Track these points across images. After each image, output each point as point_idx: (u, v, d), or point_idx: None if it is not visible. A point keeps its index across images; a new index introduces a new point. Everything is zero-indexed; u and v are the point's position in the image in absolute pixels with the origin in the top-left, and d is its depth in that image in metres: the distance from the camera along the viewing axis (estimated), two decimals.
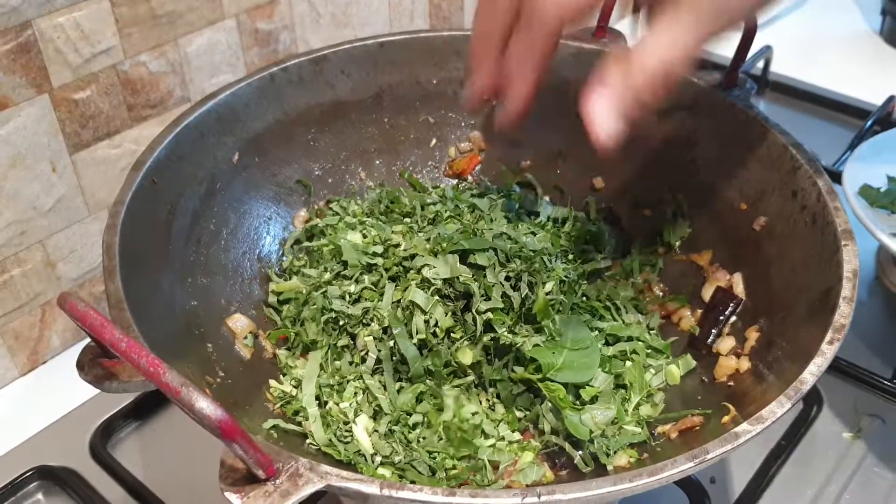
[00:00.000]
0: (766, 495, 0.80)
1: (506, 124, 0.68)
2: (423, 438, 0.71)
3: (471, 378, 0.74)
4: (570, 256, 0.87)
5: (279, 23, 1.01)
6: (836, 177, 0.93)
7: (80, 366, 0.57)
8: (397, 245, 0.81)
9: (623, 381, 0.75)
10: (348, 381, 0.74)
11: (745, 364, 0.74)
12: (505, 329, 0.73)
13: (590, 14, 0.61)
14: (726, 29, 0.58)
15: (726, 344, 0.78)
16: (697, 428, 0.70)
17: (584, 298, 0.82)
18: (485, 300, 0.73)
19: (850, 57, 1.46)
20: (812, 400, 0.88)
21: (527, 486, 0.68)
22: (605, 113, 0.59)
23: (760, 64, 1.32)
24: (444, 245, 0.76)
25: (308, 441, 0.70)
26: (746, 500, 0.79)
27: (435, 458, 0.69)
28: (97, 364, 0.57)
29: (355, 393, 0.74)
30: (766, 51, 1.31)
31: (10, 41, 0.78)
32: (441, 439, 0.71)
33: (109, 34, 0.85)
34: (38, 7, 0.79)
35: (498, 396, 0.74)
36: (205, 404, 0.45)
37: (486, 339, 0.73)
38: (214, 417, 0.45)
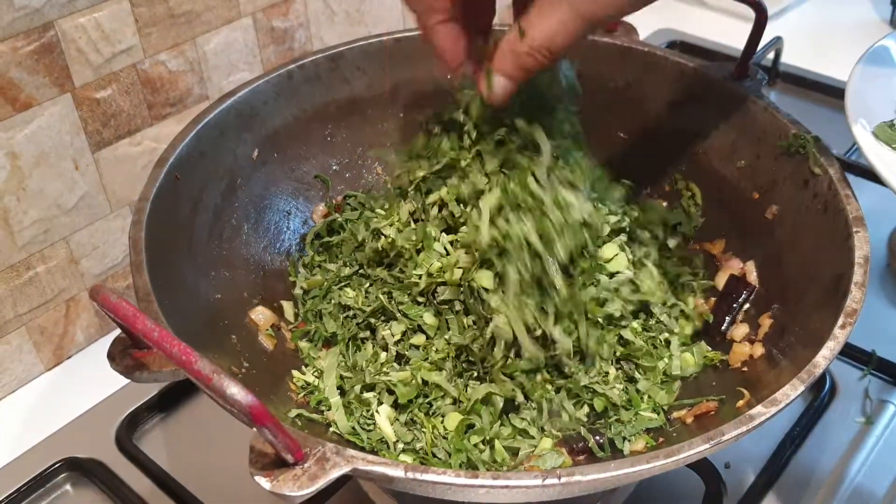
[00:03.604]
0: (780, 480, 0.81)
1: (496, 102, 0.71)
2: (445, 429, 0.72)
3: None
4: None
5: (294, 21, 1.02)
6: (847, 165, 0.93)
7: (111, 356, 0.59)
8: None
9: (635, 371, 0.77)
10: (373, 375, 0.75)
11: (758, 350, 0.75)
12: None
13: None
14: (605, 20, 0.64)
15: (740, 331, 0.79)
16: (712, 413, 0.71)
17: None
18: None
19: (860, 47, 1.45)
20: (825, 387, 0.89)
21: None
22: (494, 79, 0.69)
23: (771, 55, 1.33)
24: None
25: (331, 430, 0.72)
26: (761, 485, 0.80)
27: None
28: (128, 355, 0.59)
29: (376, 387, 0.75)
30: (777, 41, 1.32)
31: (33, 42, 0.80)
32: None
33: (129, 34, 0.87)
34: (60, 8, 0.80)
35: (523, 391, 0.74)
36: (236, 390, 0.46)
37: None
38: (245, 403, 0.47)
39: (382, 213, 0.84)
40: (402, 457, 0.70)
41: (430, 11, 0.68)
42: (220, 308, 0.76)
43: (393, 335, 0.76)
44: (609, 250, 0.78)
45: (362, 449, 0.70)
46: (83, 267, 0.93)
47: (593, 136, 0.95)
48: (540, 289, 0.71)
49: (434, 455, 0.70)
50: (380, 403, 0.73)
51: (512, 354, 0.72)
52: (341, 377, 0.76)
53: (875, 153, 0.75)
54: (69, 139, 0.86)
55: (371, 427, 0.72)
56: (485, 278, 0.71)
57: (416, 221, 0.80)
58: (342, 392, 0.75)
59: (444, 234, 0.78)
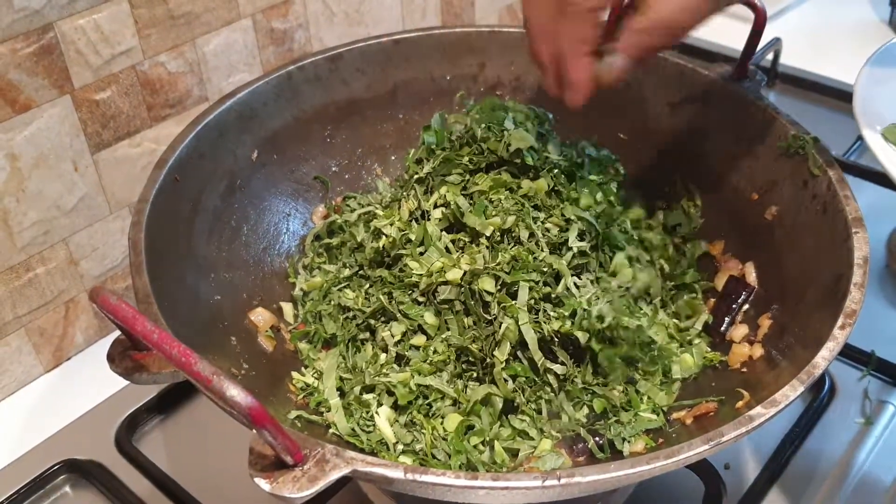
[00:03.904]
0: (779, 481, 0.81)
1: (576, 105, 0.72)
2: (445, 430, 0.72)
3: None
4: None
5: (294, 22, 1.02)
6: (846, 166, 0.93)
7: (111, 358, 0.59)
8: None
9: (635, 372, 0.77)
10: (373, 376, 0.75)
11: (758, 351, 0.75)
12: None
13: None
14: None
15: (739, 331, 0.79)
16: (712, 413, 0.71)
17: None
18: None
19: (859, 48, 1.46)
20: (824, 387, 0.89)
21: None
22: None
23: (770, 56, 1.32)
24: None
25: (331, 431, 0.72)
26: (760, 486, 0.80)
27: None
28: (127, 356, 0.59)
29: (375, 388, 0.75)
30: (776, 43, 1.32)
31: (32, 43, 0.80)
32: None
33: (129, 35, 0.87)
34: (60, 10, 0.80)
35: (523, 392, 0.75)
36: (236, 392, 0.46)
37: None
38: (245, 405, 0.47)
39: (382, 213, 0.84)
40: (402, 458, 0.70)
41: (579, 44, 0.67)
42: (219, 309, 0.76)
43: (393, 336, 0.76)
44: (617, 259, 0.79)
45: (362, 450, 0.70)
46: (83, 268, 0.93)
47: (593, 137, 0.95)
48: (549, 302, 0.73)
49: (434, 456, 0.70)
50: (379, 405, 0.73)
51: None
52: (341, 378, 0.76)
53: (886, 155, 0.75)
54: (69, 141, 0.86)
55: (371, 428, 0.72)
56: (487, 282, 0.72)
57: (416, 221, 0.80)
58: (342, 393, 0.75)
59: (444, 232, 0.78)
